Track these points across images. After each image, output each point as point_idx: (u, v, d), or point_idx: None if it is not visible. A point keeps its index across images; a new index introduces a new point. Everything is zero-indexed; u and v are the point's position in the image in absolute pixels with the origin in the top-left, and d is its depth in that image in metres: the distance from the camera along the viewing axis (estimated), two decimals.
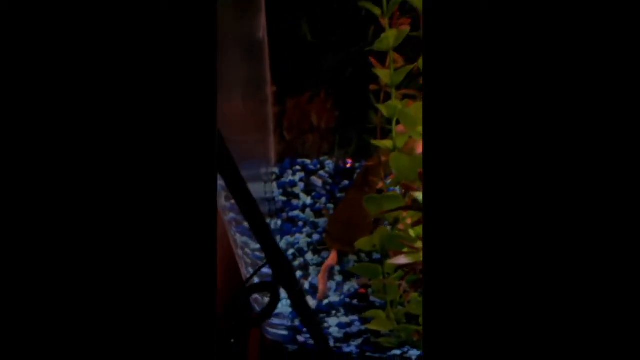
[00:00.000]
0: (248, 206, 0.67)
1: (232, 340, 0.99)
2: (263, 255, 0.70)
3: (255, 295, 0.88)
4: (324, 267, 0.90)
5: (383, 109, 0.87)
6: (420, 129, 0.82)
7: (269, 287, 0.66)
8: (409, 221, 0.82)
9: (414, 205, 0.79)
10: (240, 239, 0.92)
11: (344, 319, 0.90)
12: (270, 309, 0.66)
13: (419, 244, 0.80)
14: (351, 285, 0.91)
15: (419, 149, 0.85)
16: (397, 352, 0.88)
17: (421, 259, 0.80)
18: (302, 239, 0.93)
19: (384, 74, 0.87)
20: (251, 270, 0.88)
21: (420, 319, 0.86)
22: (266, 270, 0.73)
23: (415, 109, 0.83)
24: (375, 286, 0.87)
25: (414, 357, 0.87)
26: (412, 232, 0.83)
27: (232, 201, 0.66)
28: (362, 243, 0.86)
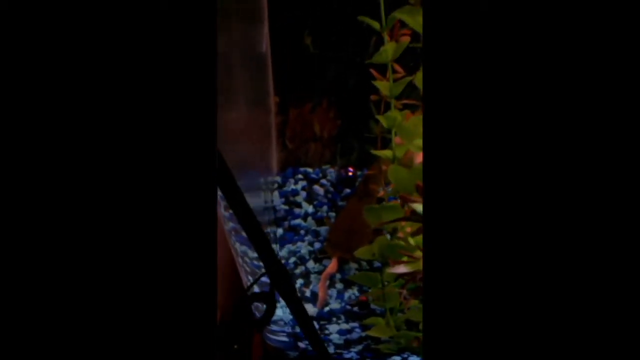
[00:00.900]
0: (245, 216, 0.68)
1: (235, 347, 1.00)
2: (261, 263, 0.71)
3: (257, 303, 0.89)
4: (323, 275, 0.92)
5: (382, 119, 0.88)
6: (417, 141, 0.83)
7: (266, 297, 0.67)
8: (408, 230, 0.83)
9: (412, 216, 0.80)
10: (239, 247, 0.93)
11: (345, 326, 0.91)
12: (267, 317, 0.68)
13: (418, 253, 0.81)
14: (352, 293, 0.92)
15: (418, 159, 0.86)
16: (397, 358, 0.89)
17: (420, 267, 0.81)
18: (303, 247, 0.94)
19: (383, 86, 0.88)
20: (250, 278, 0.89)
21: (420, 326, 0.87)
22: (266, 278, 0.74)
23: (413, 122, 0.84)
24: (375, 294, 0.88)
25: None
26: (411, 241, 0.84)
27: (231, 211, 0.67)
28: (362, 252, 0.87)
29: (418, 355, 0.88)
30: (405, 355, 0.89)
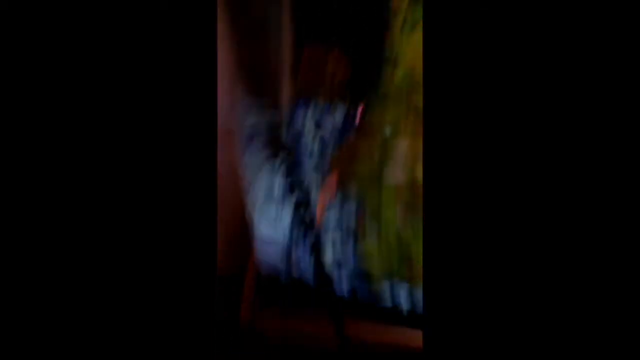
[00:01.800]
0: None
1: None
2: None
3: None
4: (321, 196, 0.92)
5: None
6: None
7: None
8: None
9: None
10: None
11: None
12: None
13: None
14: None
15: None
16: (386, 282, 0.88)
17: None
18: (311, 176, 0.95)
19: None
20: None
21: (411, 247, 0.87)
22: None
23: None
24: (371, 204, 0.88)
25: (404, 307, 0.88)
26: None
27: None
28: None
29: (407, 282, 0.87)
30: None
